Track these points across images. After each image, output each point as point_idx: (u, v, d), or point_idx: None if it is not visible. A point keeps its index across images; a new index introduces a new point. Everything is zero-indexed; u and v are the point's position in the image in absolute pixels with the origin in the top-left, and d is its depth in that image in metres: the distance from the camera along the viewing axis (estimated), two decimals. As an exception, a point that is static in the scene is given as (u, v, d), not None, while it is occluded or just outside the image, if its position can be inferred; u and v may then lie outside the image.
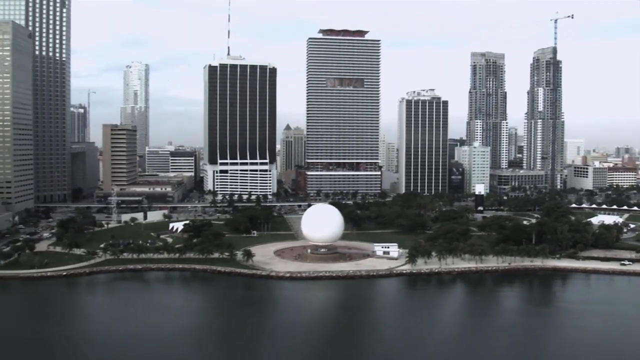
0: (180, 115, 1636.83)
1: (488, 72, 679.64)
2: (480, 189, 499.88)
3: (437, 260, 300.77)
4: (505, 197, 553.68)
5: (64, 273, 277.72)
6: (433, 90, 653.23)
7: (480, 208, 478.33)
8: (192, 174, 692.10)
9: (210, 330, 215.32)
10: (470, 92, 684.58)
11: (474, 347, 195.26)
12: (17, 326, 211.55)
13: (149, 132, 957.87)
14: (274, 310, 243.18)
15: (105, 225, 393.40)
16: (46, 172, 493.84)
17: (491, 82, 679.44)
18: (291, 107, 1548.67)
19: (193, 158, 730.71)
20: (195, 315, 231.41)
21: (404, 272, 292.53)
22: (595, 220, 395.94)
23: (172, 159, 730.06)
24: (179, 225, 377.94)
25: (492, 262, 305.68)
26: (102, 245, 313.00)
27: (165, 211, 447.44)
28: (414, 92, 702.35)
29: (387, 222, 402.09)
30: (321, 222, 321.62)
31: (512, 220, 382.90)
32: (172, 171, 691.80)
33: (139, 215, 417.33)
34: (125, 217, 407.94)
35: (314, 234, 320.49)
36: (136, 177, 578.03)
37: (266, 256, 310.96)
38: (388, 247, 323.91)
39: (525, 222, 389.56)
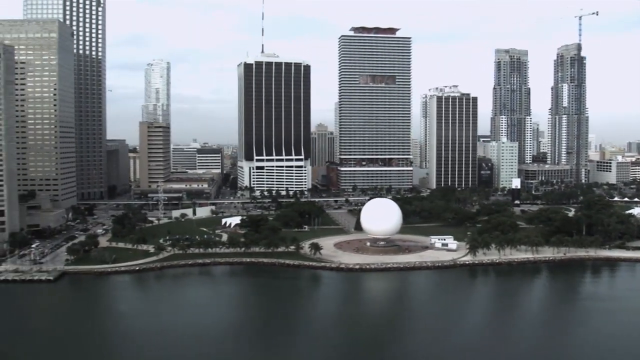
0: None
1: (512, 68, 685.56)
2: (516, 183, 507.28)
3: (496, 251, 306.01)
4: (535, 192, 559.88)
5: (137, 268, 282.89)
6: (457, 86, 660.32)
7: (517, 202, 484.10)
8: (219, 170, 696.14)
9: (296, 321, 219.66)
10: (494, 88, 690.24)
11: (558, 333, 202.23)
12: (104, 319, 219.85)
13: (171, 129, 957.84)
14: (351, 301, 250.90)
15: (157, 221, 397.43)
16: (84, 170, 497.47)
17: (515, 79, 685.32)
18: (314, 104, 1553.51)
19: (219, 155, 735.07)
20: (273, 307, 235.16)
21: (467, 262, 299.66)
22: (634, 212, 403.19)
23: (198, 156, 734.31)
24: (232, 221, 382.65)
25: (547, 253, 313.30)
26: (162, 241, 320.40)
27: (213, 207, 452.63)
28: (437, 88, 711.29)
29: (431, 215, 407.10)
30: (381, 216, 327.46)
31: (559, 213, 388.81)
32: (198, 168, 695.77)
33: (188, 212, 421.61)
34: (176, 214, 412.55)
35: (374, 227, 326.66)
36: (170, 174, 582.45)
37: (328, 249, 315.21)
38: (445, 239, 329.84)
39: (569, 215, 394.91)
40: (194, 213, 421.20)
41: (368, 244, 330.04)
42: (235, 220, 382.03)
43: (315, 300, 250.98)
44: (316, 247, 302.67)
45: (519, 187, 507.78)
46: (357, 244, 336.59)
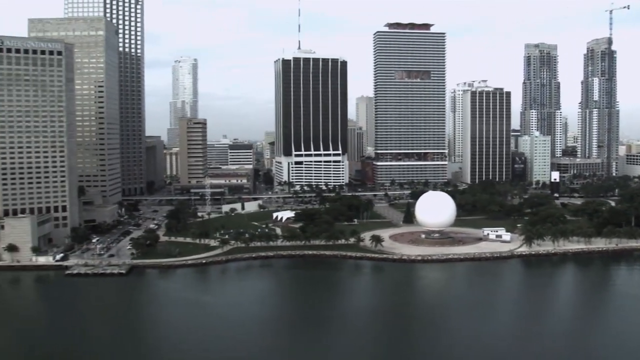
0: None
1: (542, 63, 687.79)
2: (555, 176, 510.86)
3: (551, 242, 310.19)
4: (571, 185, 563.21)
5: (203, 261, 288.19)
6: (486, 81, 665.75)
7: (556, 194, 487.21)
8: (251, 166, 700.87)
9: (366, 311, 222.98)
10: (524, 82, 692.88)
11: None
12: (181, 309, 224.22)
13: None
14: (420, 291, 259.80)
15: (207, 216, 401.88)
16: (124, 166, 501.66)
17: (545, 73, 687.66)
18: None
19: (251, 151, 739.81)
20: (340, 299, 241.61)
21: (524, 253, 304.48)
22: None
23: (230, 152, 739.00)
24: (283, 215, 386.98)
25: (599, 244, 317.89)
26: (218, 234, 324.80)
27: (260, 202, 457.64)
28: (465, 83, 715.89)
29: (476, 209, 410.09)
30: (436, 209, 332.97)
31: (605, 205, 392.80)
32: (230, 163, 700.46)
33: (236, 206, 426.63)
34: (225, 208, 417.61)
35: (430, 219, 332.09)
36: (207, 170, 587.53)
37: (384, 241, 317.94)
38: (497, 231, 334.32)
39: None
40: (243, 207, 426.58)
41: (423, 236, 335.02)
42: (286, 214, 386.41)
43: (382, 291, 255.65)
44: (377, 240, 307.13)
45: (557, 180, 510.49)
46: (410, 236, 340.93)
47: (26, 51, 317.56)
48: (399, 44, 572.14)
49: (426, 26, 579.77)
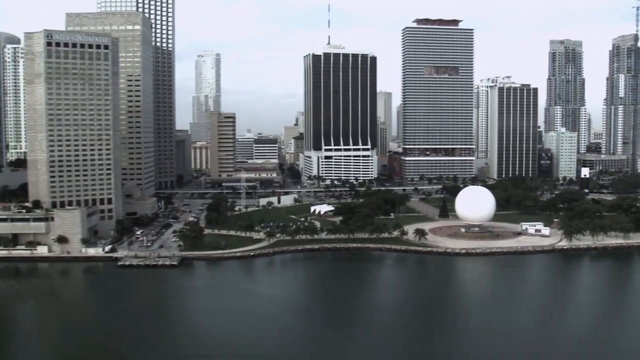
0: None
1: (567, 59, 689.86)
2: (585, 172, 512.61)
3: (590, 237, 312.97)
4: (598, 181, 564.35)
5: (251, 253, 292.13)
6: (510, 77, 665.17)
7: (586, 190, 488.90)
8: (276, 160, 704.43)
9: (419, 303, 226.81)
10: (549, 79, 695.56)
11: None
12: (236, 299, 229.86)
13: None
14: (468, 283, 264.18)
15: (245, 209, 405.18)
16: (156, 159, 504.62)
17: (570, 69, 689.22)
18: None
19: (276, 145, 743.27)
20: (392, 290, 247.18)
21: (564, 247, 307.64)
22: None
23: (256, 146, 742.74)
24: (320, 208, 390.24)
25: (637, 239, 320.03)
26: (257, 227, 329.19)
27: (296, 195, 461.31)
28: (488, 79, 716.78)
29: (509, 204, 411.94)
30: (476, 203, 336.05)
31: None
32: (255, 158, 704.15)
33: (273, 200, 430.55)
34: (263, 202, 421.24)
35: (470, 213, 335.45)
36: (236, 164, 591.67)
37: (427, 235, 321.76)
38: (535, 225, 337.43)
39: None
40: (279, 201, 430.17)
41: (463, 230, 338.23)
42: (324, 208, 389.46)
43: (432, 284, 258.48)
44: (422, 233, 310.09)
45: (587, 176, 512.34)
46: (449, 230, 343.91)
47: (74, 45, 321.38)
48: (428, 39, 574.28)
49: (454, 22, 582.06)
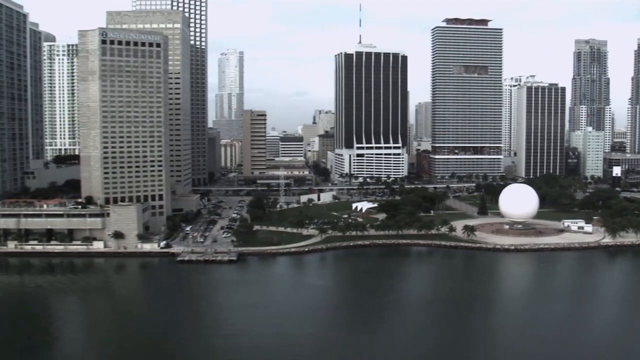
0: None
1: (592, 59, 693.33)
2: (617, 171, 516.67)
3: (633, 234, 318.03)
4: (626, 179, 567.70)
5: (306, 249, 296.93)
6: (534, 76, 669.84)
7: (618, 189, 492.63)
8: (302, 158, 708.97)
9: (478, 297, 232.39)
10: (574, 78, 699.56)
11: None
12: (302, 292, 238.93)
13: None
14: (522, 278, 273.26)
15: (286, 206, 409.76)
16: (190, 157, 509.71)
17: (595, 69, 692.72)
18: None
19: (302, 143, 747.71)
20: (450, 284, 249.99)
21: (609, 244, 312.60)
22: None
23: (282, 144, 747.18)
24: (362, 205, 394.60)
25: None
26: (311, 224, 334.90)
27: (334, 193, 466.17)
28: (512, 78, 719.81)
29: (544, 202, 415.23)
30: (521, 200, 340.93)
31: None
32: (282, 156, 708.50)
33: (311, 197, 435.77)
34: (303, 199, 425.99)
35: (514, 210, 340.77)
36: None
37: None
38: (577, 223, 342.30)
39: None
40: (319, 198, 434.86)
41: (506, 226, 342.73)
42: (365, 205, 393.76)
43: (487, 279, 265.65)
44: (471, 229, 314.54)
45: (619, 175, 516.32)
46: (491, 227, 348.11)
47: (128, 43, 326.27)
48: (457, 39, 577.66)
49: (484, 22, 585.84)
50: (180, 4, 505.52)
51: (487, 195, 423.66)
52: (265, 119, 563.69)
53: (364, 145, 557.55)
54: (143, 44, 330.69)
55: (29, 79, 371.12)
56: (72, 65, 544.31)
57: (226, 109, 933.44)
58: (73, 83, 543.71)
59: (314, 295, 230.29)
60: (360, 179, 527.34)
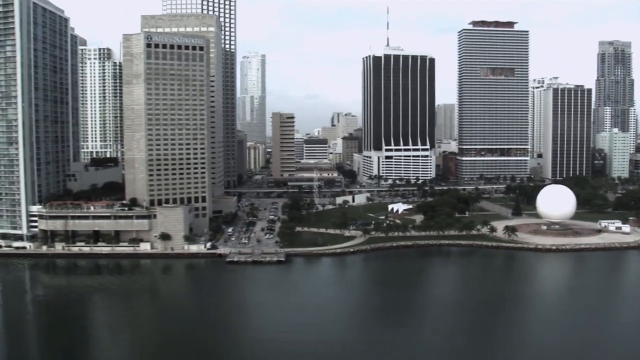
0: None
1: (616, 60, 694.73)
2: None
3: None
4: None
5: (351, 250, 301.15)
6: (557, 78, 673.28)
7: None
8: (327, 160, 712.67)
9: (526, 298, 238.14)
10: (597, 79, 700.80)
11: None
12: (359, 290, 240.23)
13: (266, 121, 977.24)
14: (571, 277, 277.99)
15: (321, 207, 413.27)
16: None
17: (619, 70, 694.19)
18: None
19: (326, 145, 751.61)
20: (498, 283, 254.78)
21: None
22: None
23: (306, 146, 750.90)
24: (398, 207, 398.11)
25: None
26: (354, 225, 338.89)
27: (368, 194, 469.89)
28: (534, 80, 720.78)
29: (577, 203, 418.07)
30: (559, 201, 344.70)
31: None
32: (306, 158, 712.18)
33: (347, 198, 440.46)
34: (339, 200, 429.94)
35: (552, 211, 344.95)
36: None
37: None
38: (614, 223, 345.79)
39: None
40: (353, 200, 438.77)
41: (544, 227, 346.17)
42: (401, 206, 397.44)
43: (536, 279, 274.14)
44: (512, 230, 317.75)
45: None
46: (527, 227, 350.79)
47: (172, 46, 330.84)
48: (484, 41, 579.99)
49: (510, 24, 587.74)
50: (210, 7, 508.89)
51: (520, 196, 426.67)
52: (293, 122, 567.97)
53: (393, 147, 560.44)
54: (187, 47, 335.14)
55: (69, 82, 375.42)
56: (104, 69, 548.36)
57: (248, 112, 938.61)
58: (104, 87, 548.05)
59: (364, 295, 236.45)
60: (390, 181, 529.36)
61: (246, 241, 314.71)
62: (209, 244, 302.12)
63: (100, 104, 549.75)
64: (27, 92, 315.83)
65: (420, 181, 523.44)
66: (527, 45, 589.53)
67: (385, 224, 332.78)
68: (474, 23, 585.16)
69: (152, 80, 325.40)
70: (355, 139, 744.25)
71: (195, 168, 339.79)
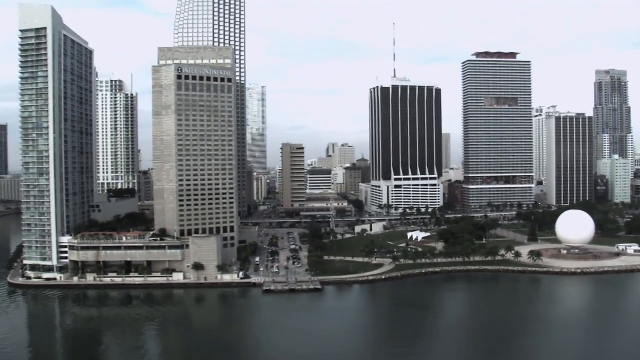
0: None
1: (613, 88, 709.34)
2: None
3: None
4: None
5: (383, 277, 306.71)
6: (555, 106, 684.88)
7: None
8: (332, 190, 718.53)
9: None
10: (595, 107, 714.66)
11: None
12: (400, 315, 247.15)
13: (267, 153, 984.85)
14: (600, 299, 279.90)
15: (341, 237, 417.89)
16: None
17: (616, 98, 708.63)
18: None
19: (330, 176, 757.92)
20: (533, 307, 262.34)
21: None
22: None
23: (310, 177, 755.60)
24: (417, 235, 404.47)
25: None
26: (381, 253, 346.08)
27: (385, 223, 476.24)
28: (533, 108, 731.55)
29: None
30: (578, 226, 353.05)
31: None
32: (310, 188, 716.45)
33: (365, 227, 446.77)
34: (358, 229, 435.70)
35: (572, 236, 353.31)
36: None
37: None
38: (632, 246, 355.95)
39: None
40: (371, 228, 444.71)
41: (564, 251, 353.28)
42: (420, 234, 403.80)
43: (565, 301, 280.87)
44: (537, 255, 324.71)
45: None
46: (546, 252, 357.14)
47: (201, 78, 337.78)
48: (487, 71, 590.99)
49: (512, 54, 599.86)
50: (222, 40, 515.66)
51: (529, 223, 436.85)
52: (303, 152, 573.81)
53: (402, 176, 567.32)
54: (215, 79, 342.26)
55: (93, 113, 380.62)
56: (115, 101, 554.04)
57: (249, 143, 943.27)
58: (116, 118, 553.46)
59: (403, 320, 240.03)
60: (400, 210, 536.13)
61: (277, 270, 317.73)
62: (241, 274, 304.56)
63: (112, 135, 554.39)
64: (57, 123, 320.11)
65: (430, 209, 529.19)
66: (530, 75, 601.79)
67: (412, 251, 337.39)
68: (478, 54, 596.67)
69: (183, 112, 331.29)
70: (358, 169, 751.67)
71: (224, 198, 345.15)
